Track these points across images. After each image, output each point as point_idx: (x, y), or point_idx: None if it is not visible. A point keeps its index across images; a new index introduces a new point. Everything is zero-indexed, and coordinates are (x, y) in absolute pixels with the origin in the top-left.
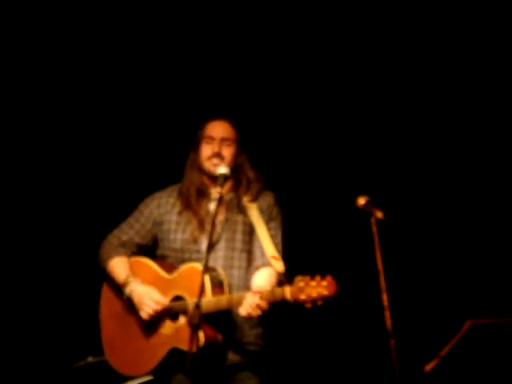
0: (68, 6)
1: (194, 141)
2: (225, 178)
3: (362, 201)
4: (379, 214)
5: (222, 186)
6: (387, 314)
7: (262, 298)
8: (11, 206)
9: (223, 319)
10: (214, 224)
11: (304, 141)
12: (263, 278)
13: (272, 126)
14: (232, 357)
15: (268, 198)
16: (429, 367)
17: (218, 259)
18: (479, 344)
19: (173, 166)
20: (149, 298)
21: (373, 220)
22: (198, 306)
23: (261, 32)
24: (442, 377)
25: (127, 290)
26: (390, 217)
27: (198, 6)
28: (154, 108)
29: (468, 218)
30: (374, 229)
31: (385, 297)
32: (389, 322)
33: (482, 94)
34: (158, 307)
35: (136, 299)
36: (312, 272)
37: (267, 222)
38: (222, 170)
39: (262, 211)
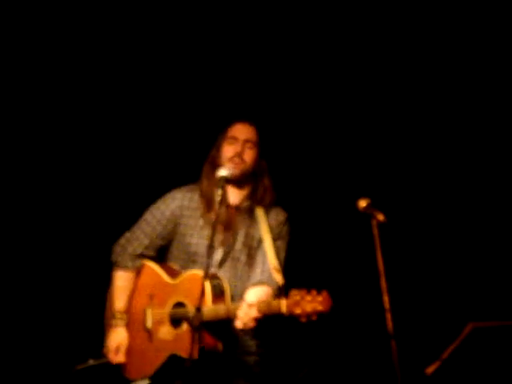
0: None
1: (216, 141)
2: (225, 180)
3: (363, 203)
4: (380, 217)
5: (222, 188)
6: (388, 316)
7: (259, 310)
8: (14, 203)
9: (224, 329)
10: (214, 230)
11: (304, 144)
12: (258, 293)
13: (272, 129)
14: (231, 367)
15: (280, 217)
16: (430, 370)
17: (225, 270)
18: (481, 347)
19: (187, 164)
20: (115, 347)
21: (374, 222)
22: (198, 309)
23: (254, 38)
24: (444, 380)
25: (111, 321)
26: (391, 219)
27: (217, 9)
28: (168, 106)
29: (469, 220)
30: (375, 231)
31: (386, 299)
32: (390, 325)
33: (482, 99)
34: (114, 360)
35: (109, 337)
36: (312, 278)
37: (274, 240)
38: (223, 172)
39: (271, 228)
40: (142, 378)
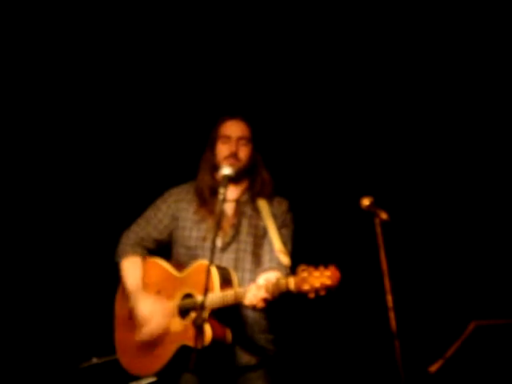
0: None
1: (209, 139)
2: (228, 178)
3: (366, 202)
4: (383, 215)
5: (225, 187)
6: (392, 315)
7: (267, 290)
8: (20, 201)
9: (233, 320)
10: (218, 227)
11: (308, 142)
12: (268, 276)
13: (275, 127)
14: (241, 359)
15: (283, 206)
16: (433, 368)
17: (229, 261)
18: (484, 345)
19: (186, 162)
20: (151, 319)
21: (377, 221)
22: (202, 306)
23: (258, 36)
24: (447, 378)
25: (131, 303)
26: (394, 218)
27: (211, 6)
28: (165, 105)
29: (473, 219)
30: (379, 230)
31: (389, 298)
32: (393, 323)
33: (483, 96)
34: (157, 332)
35: (138, 313)
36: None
37: (279, 228)
38: (226, 171)
39: (275, 217)
40: (150, 375)
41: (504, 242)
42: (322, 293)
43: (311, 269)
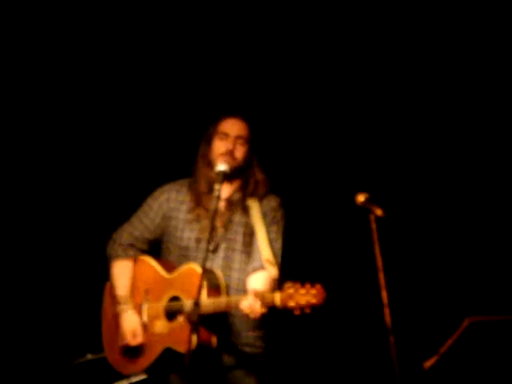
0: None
1: (206, 135)
2: (224, 175)
3: (361, 198)
4: (378, 212)
5: (221, 183)
6: (386, 311)
7: (262, 304)
8: (12, 198)
9: (219, 321)
10: (213, 224)
11: (303, 137)
12: (259, 282)
13: (271, 123)
14: (228, 359)
15: (272, 203)
16: (428, 364)
17: (219, 260)
18: (478, 341)
19: (181, 159)
20: (130, 331)
21: (372, 217)
22: (196, 303)
23: (257, 33)
24: (441, 374)
25: (118, 309)
26: (389, 214)
27: (209, 4)
28: (161, 103)
29: (467, 215)
30: (374, 226)
31: (384, 294)
32: (388, 319)
33: (480, 91)
34: (133, 343)
35: (121, 323)
36: (309, 271)
37: (269, 225)
38: (222, 167)
39: (264, 214)
40: (138, 373)
41: (499, 238)
42: (307, 311)
43: (297, 286)
